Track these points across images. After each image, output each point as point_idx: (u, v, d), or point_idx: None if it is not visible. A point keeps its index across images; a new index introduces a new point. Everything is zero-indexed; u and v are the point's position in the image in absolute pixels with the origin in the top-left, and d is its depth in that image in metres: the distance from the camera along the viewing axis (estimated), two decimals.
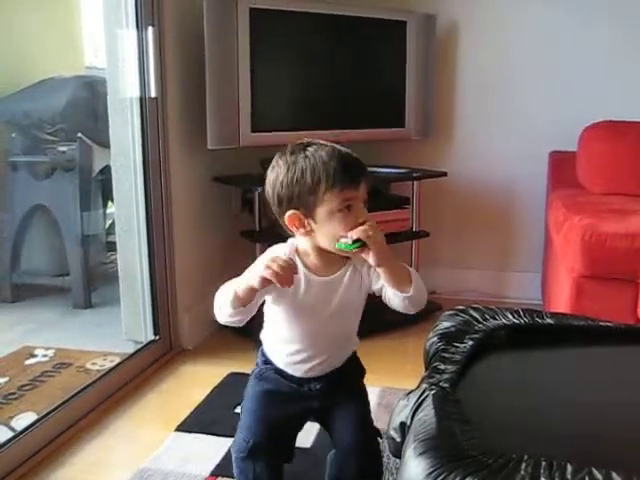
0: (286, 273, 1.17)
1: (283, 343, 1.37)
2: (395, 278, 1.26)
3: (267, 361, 1.40)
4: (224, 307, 1.26)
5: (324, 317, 1.32)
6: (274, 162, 1.28)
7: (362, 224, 1.21)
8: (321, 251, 1.28)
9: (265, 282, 1.19)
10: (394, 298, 1.28)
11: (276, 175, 1.26)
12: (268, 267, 1.17)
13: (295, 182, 1.23)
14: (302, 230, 1.26)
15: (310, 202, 1.23)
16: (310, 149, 1.24)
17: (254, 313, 1.30)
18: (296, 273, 1.23)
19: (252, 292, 1.22)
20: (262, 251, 1.35)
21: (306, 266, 1.30)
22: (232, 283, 1.26)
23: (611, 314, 1.71)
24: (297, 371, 1.37)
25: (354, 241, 1.21)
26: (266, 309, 1.36)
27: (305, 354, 1.35)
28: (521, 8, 3.06)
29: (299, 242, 1.31)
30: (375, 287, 1.32)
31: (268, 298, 1.32)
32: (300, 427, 1.46)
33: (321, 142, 1.26)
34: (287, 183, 1.24)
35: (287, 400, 1.38)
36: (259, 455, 1.37)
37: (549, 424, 1.09)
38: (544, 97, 3.10)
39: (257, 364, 1.43)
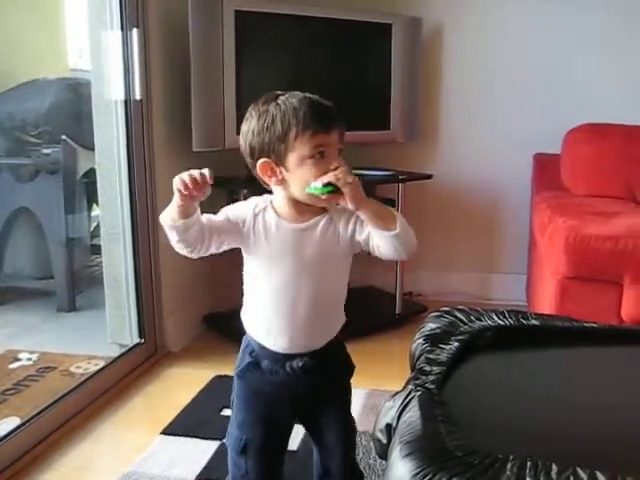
0: (193, 186, 1.17)
1: (262, 308, 1.32)
2: (378, 217, 1.22)
3: (248, 346, 1.36)
4: (163, 219, 1.24)
5: (299, 269, 1.28)
6: (247, 114, 1.27)
7: (336, 169, 1.19)
8: (295, 203, 1.26)
9: (181, 196, 1.18)
10: (382, 242, 1.24)
11: (248, 125, 1.25)
12: (178, 178, 1.18)
13: (265, 129, 1.22)
14: (274, 179, 1.25)
15: (281, 149, 1.21)
16: (282, 97, 1.24)
17: (197, 244, 1.26)
18: (210, 182, 1.19)
19: (177, 208, 1.20)
20: None
21: (278, 214, 1.28)
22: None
23: (595, 315, 1.72)
24: (278, 343, 1.31)
25: (324, 185, 1.18)
26: (244, 274, 1.34)
27: (285, 317, 1.30)
28: (506, 12, 3.08)
29: (275, 197, 1.30)
30: (360, 237, 1.27)
31: (244, 256, 1.30)
32: (291, 423, 1.43)
33: (295, 92, 1.25)
34: (257, 131, 1.23)
35: (271, 401, 1.35)
36: (254, 452, 1.36)
37: (534, 424, 1.10)
38: (529, 100, 3.12)
39: (239, 358, 1.39)
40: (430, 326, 1.39)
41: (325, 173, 1.19)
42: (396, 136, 3.05)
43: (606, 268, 2.19)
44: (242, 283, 1.36)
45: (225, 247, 1.30)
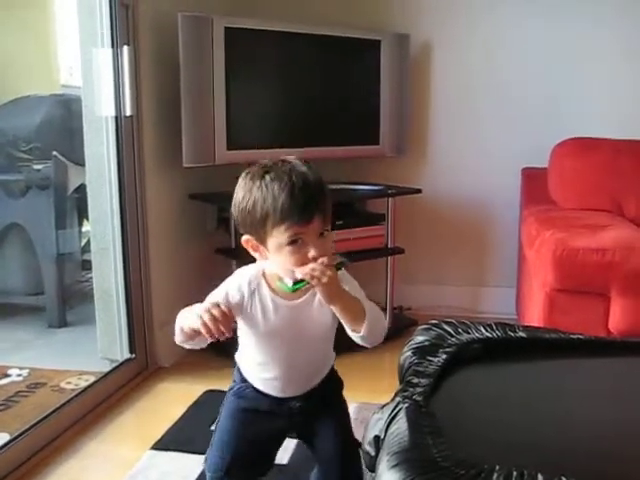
0: (215, 326, 1.16)
1: (257, 367, 1.36)
2: (347, 317, 1.23)
3: (245, 379, 1.39)
4: (176, 335, 1.27)
5: (296, 342, 1.31)
6: (239, 181, 1.26)
7: (315, 259, 1.18)
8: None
9: (198, 331, 1.18)
10: (348, 330, 1.26)
11: (235, 196, 1.25)
12: (200, 317, 1.17)
13: (247, 212, 1.22)
14: (259, 255, 1.27)
15: (261, 233, 1.22)
16: (267, 177, 1.19)
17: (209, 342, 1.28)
18: (234, 322, 1.21)
19: (194, 332, 1.21)
20: (239, 267, 1.36)
21: (273, 290, 1.28)
22: (186, 312, 1.24)
23: (583, 327, 1.73)
24: (274, 392, 1.36)
25: (298, 281, 1.18)
26: (239, 332, 1.35)
27: (280, 378, 1.34)
28: (493, 28, 3.12)
29: (267, 268, 1.29)
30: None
31: (239, 321, 1.31)
32: (279, 444, 1.45)
33: (282, 169, 1.21)
34: (240, 210, 1.23)
35: (266, 418, 1.37)
36: (236, 473, 1.36)
37: (520, 436, 1.11)
38: (516, 114, 3.15)
39: (235, 381, 1.41)
40: (418, 339, 1.41)
41: (302, 262, 1.18)
42: (385, 151, 3.08)
43: (593, 280, 2.20)
44: None
45: None
